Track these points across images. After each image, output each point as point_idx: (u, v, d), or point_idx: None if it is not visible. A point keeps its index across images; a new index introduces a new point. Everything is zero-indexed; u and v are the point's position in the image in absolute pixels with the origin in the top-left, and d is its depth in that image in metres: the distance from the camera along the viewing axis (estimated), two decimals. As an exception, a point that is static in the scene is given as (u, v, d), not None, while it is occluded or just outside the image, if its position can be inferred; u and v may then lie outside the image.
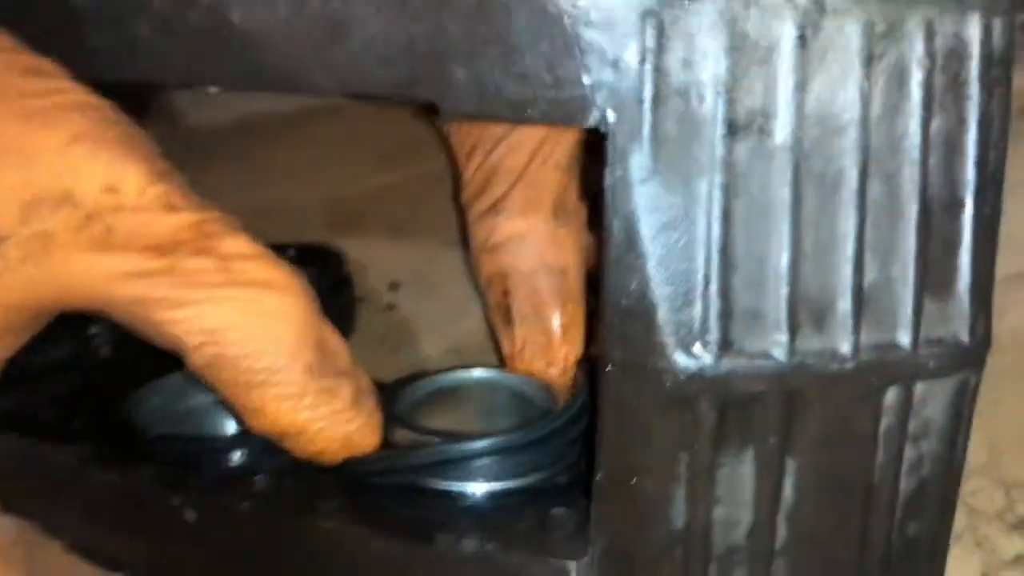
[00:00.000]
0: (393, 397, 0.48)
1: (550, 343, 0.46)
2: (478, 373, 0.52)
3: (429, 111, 0.37)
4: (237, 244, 0.39)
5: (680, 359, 0.36)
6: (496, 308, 0.49)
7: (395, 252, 0.68)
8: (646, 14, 0.34)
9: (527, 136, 0.47)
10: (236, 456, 0.47)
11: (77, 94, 0.38)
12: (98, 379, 0.54)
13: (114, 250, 0.36)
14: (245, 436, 0.46)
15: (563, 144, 0.46)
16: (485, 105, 0.36)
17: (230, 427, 0.51)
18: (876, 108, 0.35)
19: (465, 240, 0.51)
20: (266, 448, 0.44)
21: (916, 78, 0.35)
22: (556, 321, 0.46)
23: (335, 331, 0.41)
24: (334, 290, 0.64)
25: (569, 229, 0.47)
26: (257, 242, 0.40)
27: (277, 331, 0.38)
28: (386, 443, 0.45)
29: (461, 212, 0.51)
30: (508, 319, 0.47)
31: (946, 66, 0.35)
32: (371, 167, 0.79)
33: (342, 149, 0.79)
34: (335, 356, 0.41)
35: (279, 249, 0.66)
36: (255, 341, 0.38)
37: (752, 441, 0.37)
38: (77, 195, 0.35)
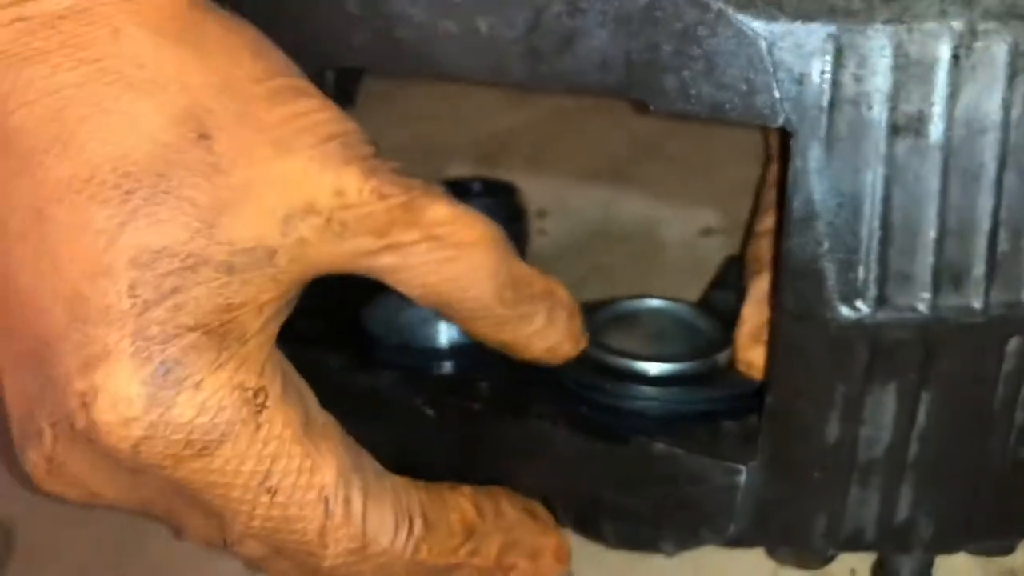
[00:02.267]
0: (586, 319, 0.58)
1: (762, 330, 0.53)
2: (651, 302, 0.62)
3: (642, 107, 0.46)
4: (438, 212, 0.47)
5: (844, 311, 0.45)
6: (746, 283, 0.57)
7: (537, 184, 0.75)
8: (827, 38, 0.42)
9: None
10: (461, 363, 0.58)
11: (310, 115, 0.45)
12: (333, 294, 0.65)
13: (347, 239, 0.45)
14: (465, 348, 0.57)
15: None
16: (688, 106, 0.45)
17: (441, 335, 0.62)
18: (1016, 112, 0.43)
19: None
20: (482, 359, 0.56)
21: (1052, 87, 0.42)
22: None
23: (524, 264, 0.51)
24: (510, 221, 0.74)
25: None
26: (454, 203, 0.49)
27: (477, 281, 0.49)
28: (584, 360, 0.55)
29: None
30: (745, 298, 0.55)
31: (1078, 76, 0.43)
32: (502, 107, 0.87)
33: (473, 91, 0.85)
34: (528, 286, 0.51)
35: (466, 183, 0.77)
36: (460, 291, 0.49)
37: (895, 377, 0.46)
38: (316, 204, 0.44)
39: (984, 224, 0.44)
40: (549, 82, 0.47)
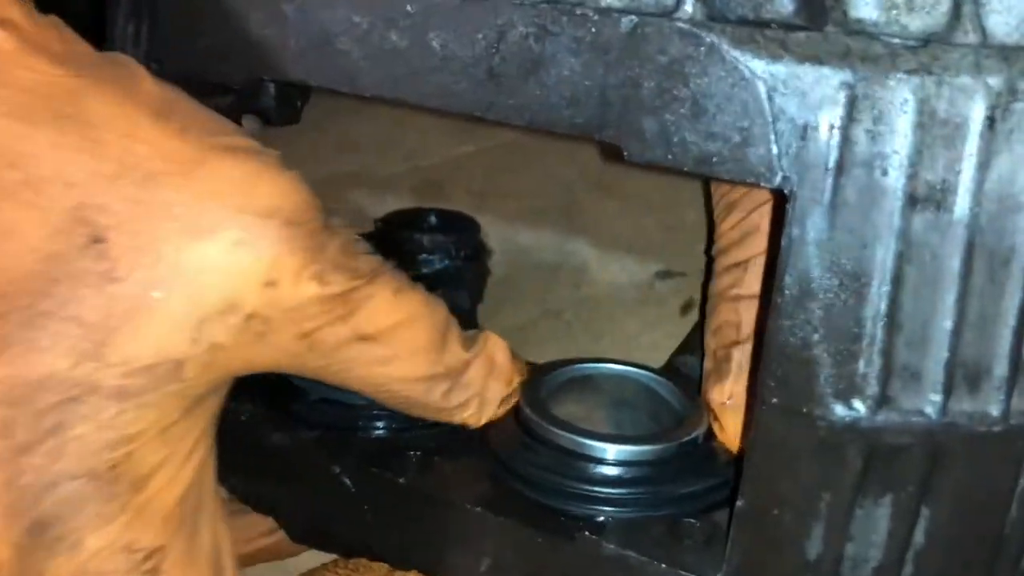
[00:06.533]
0: (536, 382, 0.51)
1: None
2: (611, 367, 0.55)
3: (613, 154, 0.39)
4: (378, 306, 0.42)
5: (838, 409, 0.38)
6: (715, 355, 0.50)
7: (483, 220, 0.68)
8: (840, 86, 0.35)
9: None
10: (390, 426, 0.51)
11: (244, 183, 0.37)
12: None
13: (269, 340, 0.39)
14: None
15: None
16: (670, 156, 0.38)
17: None
18: (1055, 189, 0.36)
19: (705, 286, 0.54)
20: (415, 421, 0.49)
21: (1099, 162, 0.36)
22: None
23: (462, 349, 0.46)
24: (469, 259, 0.67)
25: None
26: (401, 289, 0.43)
27: (411, 383, 0.45)
28: (528, 432, 0.48)
29: (710, 261, 0.53)
30: (726, 369, 0.48)
31: None
32: (448, 137, 0.81)
33: (418, 120, 0.79)
34: (464, 374, 0.47)
35: (422, 215, 0.70)
36: (390, 392, 0.45)
37: (892, 488, 0.39)
38: (240, 300, 0.37)
39: (1010, 317, 0.37)
40: (508, 114, 0.40)
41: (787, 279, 0.37)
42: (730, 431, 0.48)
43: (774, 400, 0.39)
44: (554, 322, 0.68)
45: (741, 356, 0.48)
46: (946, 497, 0.40)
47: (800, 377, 0.38)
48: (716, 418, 0.49)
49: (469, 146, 0.79)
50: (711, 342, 0.51)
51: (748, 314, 0.49)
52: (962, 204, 0.36)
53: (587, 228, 0.73)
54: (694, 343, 0.59)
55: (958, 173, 0.36)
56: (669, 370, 0.58)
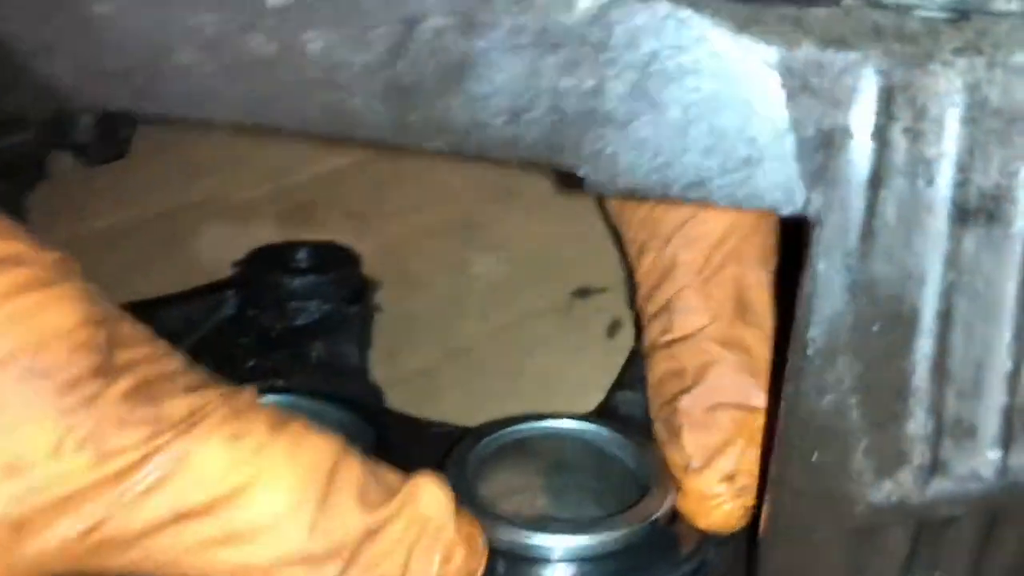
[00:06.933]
0: (466, 453, 0.43)
1: (725, 448, 0.39)
2: (543, 425, 0.46)
3: (572, 182, 0.29)
4: (200, 474, 0.29)
5: (880, 487, 0.30)
6: (661, 414, 0.42)
7: (365, 246, 0.58)
8: (874, 75, 0.27)
9: (706, 228, 0.42)
10: None
11: None
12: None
13: (32, 548, 0.27)
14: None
15: (753, 239, 0.41)
16: (647, 182, 0.29)
17: None
18: None
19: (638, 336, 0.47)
20: None
21: None
22: (733, 423, 0.39)
23: (357, 523, 0.31)
24: (350, 302, 0.56)
25: (755, 332, 0.41)
26: (241, 425, 0.30)
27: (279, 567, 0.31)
28: None
29: (638, 316, 0.46)
30: (675, 425, 0.41)
31: None
32: (317, 149, 0.70)
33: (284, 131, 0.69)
34: (356, 561, 0.31)
35: (287, 251, 0.58)
36: None
37: (940, 564, 0.32)
38: None
39: (1077, 349, 0.30)
40: (424, 138, 0.30)
41: (812, 331, 0.29)
42: (692, 498, 0.40)
43: (797, 484, 0.31)
44: (462, 362, 0.58)
45: (690, 403, 0.41)
46: (1001, 564, 0.33)
47: (831, 453, 0.30)
48: (679, 486, 0.41)
49: (343, 158, 0.68)
50: (655, 401, 0.43)
51: (689, 357, 0.42)
52: (1019, 213, 0.29)
53: (490, 246, 0.63)
54: (630, 376, 0.50)
55: (1013, 175, 0.28)
56: (607, 411, 0.49)
